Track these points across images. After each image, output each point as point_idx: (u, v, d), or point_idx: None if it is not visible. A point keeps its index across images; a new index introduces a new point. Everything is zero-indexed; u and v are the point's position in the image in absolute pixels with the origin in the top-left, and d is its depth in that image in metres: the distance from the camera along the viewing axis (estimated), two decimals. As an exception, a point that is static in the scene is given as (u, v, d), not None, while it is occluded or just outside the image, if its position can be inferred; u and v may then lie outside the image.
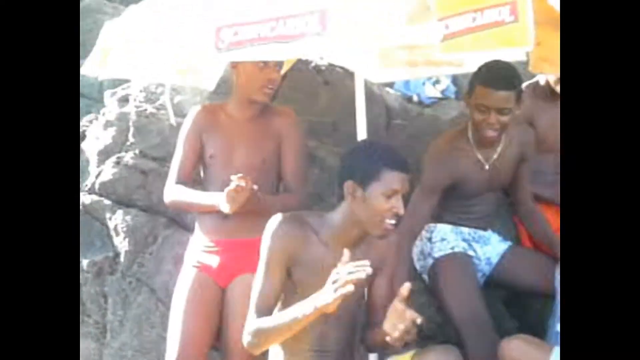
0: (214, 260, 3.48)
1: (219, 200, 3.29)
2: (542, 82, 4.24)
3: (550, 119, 4.25)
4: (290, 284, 2.88)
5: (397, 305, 2.68)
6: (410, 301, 2.73)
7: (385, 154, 2.82)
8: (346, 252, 2.64)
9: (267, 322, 2.79)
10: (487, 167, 3.68)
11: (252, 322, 2.82)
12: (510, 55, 3.71)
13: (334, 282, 2.58)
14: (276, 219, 2.88)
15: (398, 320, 2.67)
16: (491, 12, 2.84)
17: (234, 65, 3.50)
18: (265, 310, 2.82)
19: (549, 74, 4.03)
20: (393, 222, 2.79)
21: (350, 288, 2.53)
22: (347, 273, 2.55)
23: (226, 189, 3.22)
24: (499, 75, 3.49)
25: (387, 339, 2.69)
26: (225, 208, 3.25)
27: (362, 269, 2.55)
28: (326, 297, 2.59)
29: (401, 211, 2.78)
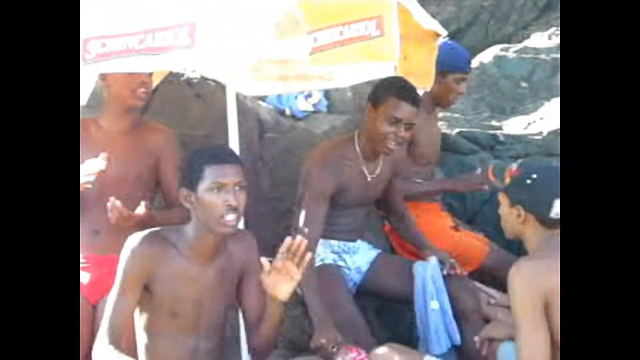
0: (84, 277, 3.42)
1: None
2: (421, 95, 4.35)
3: (429, 132, 4.39)
4: (149, 298, 2.87)
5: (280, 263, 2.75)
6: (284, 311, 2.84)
7: (204, 151, 2.86)
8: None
9: None
10: (369, 178, 3.74)
11: (104, 347, 2.79)
12: (379, 69, 3.78)
13: None
14: (135, 238, 2.86)
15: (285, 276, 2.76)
16: (358, 25, 2.90)
17: (103, 76, 3.45)
18: (118, 330, 2.81)
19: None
20: (231, 216, 2.79)
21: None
22: None
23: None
24: (411, 91, 3.56)
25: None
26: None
27: None
28: None
29: (233, 203, 2.77)
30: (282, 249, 2.74)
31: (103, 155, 3.20)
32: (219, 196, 2.77)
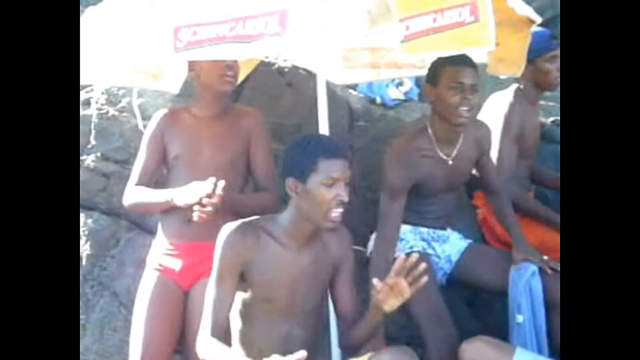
0: (176, 264, 3.46)
1: (173, 195, 3.32)
2: (522, 87, 4.29)
3: (532, 125, 4.30)
4: (245, 285, 2.91)
5: (392, 281, 2.70)
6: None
7: (318, 144, 2.83)
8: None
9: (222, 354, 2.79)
10: (450, 162, 3.69)
11: (206, 339, 2.83)
12: (472, 56, 3.73)
13: None
14: (228, 228, 2.90)
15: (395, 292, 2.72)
16: (451, 12, 2.85)
17: (191, 67, 3.49)
18: (220, 322, 2.85)
19: (504, 74, 4.06)
20: (339, 210, 2.80)
21: None
22: None
23: (186, 189, 3.24)
24: (461, 55, 3.54)
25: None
26: (180, 201, 3.26)
27: None
28: None
29: (345, 198, 2.79)
30: (396, 266, 2.69)
31: (212, 179, 3.19)
32: (330, 191, 2.77)
